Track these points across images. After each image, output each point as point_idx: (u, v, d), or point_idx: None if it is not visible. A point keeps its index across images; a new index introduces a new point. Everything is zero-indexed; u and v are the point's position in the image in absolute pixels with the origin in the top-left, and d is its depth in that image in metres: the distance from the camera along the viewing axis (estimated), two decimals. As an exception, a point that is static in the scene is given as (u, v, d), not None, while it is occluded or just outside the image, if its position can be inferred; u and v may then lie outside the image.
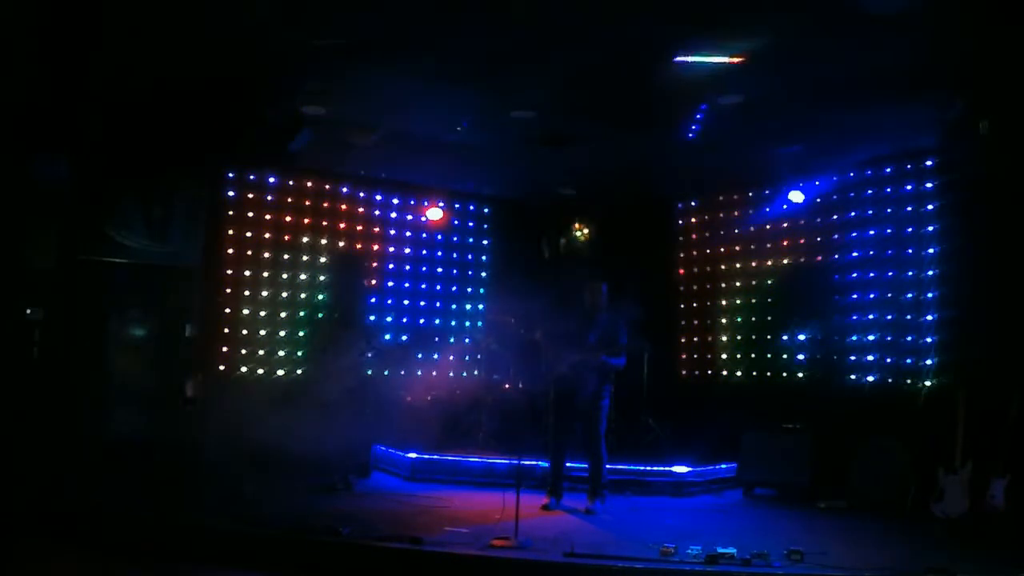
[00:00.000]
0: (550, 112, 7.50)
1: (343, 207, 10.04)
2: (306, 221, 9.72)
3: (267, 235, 9.44)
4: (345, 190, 10.07)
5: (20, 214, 7.76)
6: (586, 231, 10.12)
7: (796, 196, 8.87)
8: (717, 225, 10.33)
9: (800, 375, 9.20)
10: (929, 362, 7.89)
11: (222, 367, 8.97)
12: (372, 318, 10.13)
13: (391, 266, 10.38)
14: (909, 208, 8.29)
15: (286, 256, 9.56)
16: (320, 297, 9.73)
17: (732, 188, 10.07)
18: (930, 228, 8.08)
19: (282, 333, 9.45)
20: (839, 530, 6.58)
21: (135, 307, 8.58)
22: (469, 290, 11.01)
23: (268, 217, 9.45)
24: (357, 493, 7.80)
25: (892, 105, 6.84)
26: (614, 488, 7.40)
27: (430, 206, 10.24)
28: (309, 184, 9.77)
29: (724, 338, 10.12)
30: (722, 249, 10.19)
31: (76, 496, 6.42)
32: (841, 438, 7.98)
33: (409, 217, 10.50)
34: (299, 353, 9.44)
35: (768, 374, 9.53)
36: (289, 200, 9.62)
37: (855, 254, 8.75)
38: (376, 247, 10.28)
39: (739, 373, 9.90)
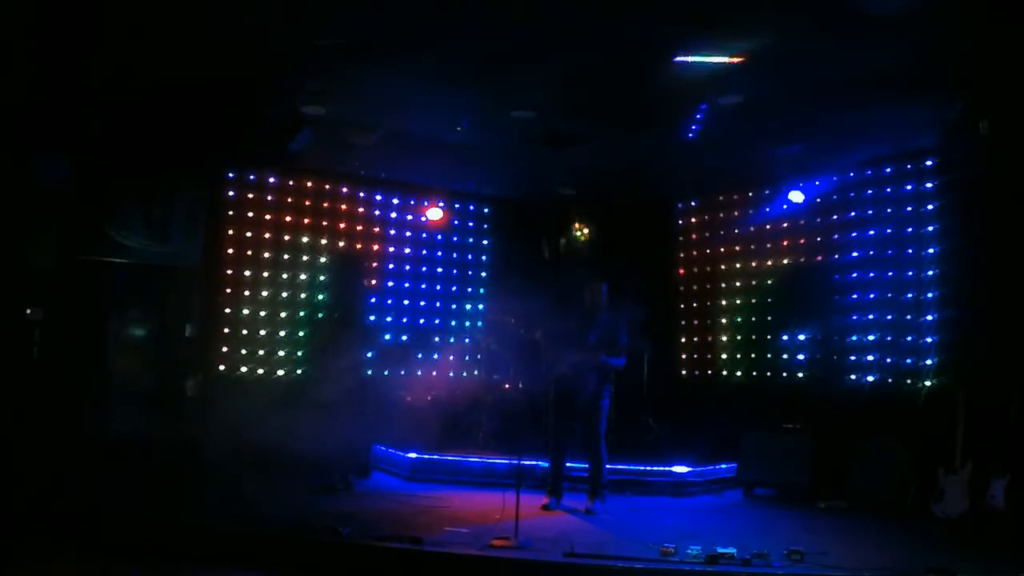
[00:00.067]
0: (550, 112, 7.50)
1: (343, 207, 10.04)
2: (306, 221, 9.72)
3: (267, 235, 9.44)
4: (345, 190, 10.07)
5: (20, 214, 7.76)
6: (586, 231, 10.12)
7: (796, 196, 8.87)
8: (717, 225, 10.33)
9: (800, 375, 9.20)
10: (929, 362, 7.89)
11: (222, 367, 8.98)
12: (372, 318, 10.13)
13: (391, 266, 10.38)
14: (909, 208, 8.29)
15: (286, 256, 9.56)
16: (320, 297, 9.73)
17: (732, 188, 10.07)
18: (930, 228, 8.08)
19: (282, 333, 9.45)
20: (839, 530, 6.58)
21: (135, 307, 8.57)
22: (469, 290, 11.01)
23: (268, 217, 9.45)
24: (357, 493, 7.80)
25: (892, 105, 6.84)
26: (614, 488, 7.40)
27: (430, 206, 10.25)
28: (309, 184, 9.78)
29: (724, 338, 10.12)
30: (722, 249, 10.19)
31: (76, 496, 6.42)
32: (841, 438, 7.98)
33: (409, 217, 10.50)
34: (299, 353, 9.44)
35: (768, 374, 9.53)
36: (289, 200, 9.63)
37: (855, 254, 8.75)
38: (376, 247, 10.28)
39: (739, 373, 9.90)
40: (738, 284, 10.05)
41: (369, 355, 9.49)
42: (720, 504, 7.84)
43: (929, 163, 8.11)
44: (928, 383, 7.81)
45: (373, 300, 10.18)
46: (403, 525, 6.08)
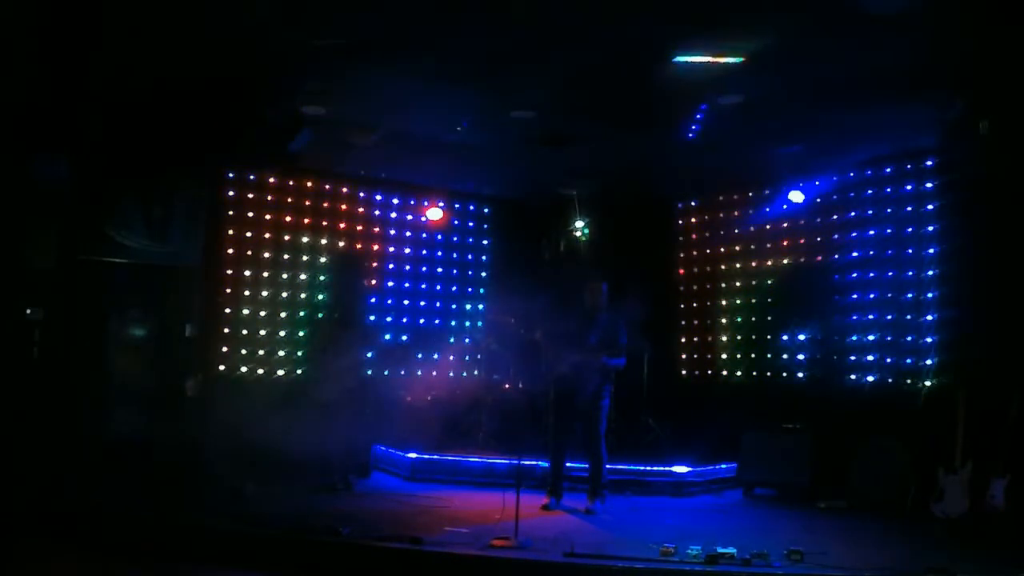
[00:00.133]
0: (550, 112, 7.50)
1: (343, 207, 10.04)
2: (306, 221, 9.71)
3: (267, 235, 9.43)
4: (345, 190, 10.07)
5: (20, 214, 7.75)
6: (586, 231, 10.12)
7: (796, 196, 8.87)
8: (717, 225, 10.33)
9: (800, 375, 9.20)
10: (929, 362, 7.89)
11: (222, 367, 8.97)
12: (372, 318, 10.13)
13: (391, 266, 10.38)
14: (909, 208, 8.28)
15: (286, 256, 9.56)
16: (320, 297, 9.73)
17: (732, 188, 10.07)
18: (930, 228, 8.08)
19: (282, 333, 9.45)
20: (839, 530, 6.58)
21: (135, 307, 8.56)
22: (469, 290, 11.01)
23: (268, 217, 9.45)
24: (357, 493, 7.81)
25: (892, 105, 6.84)
26: (614, 488, 7.41)
27: (430, 206, 10.24)
28: (309, 184, 9.77)
29: (724, 338, 10.11)
30: (722, 249, 10.19)
31: (76, 496, 6.42)
32: (841, 438, 7.98)
33: (409, 217, 10.50)
34: (299, 353, 9.44)
35: (768, 374, 9.53)
36: (289, 200, 9.62)
37: (855, 254, 8.75)
38: (376, 247, 10.28)
39: (739, 373, 9.90)
40: (738, 284, 10.05)
41: (369, 355, 9.48)
42: (720, 504, 7.84)
43: (929, 163, 8.11)
44: (928, 383, 7.81)
45: (373, 300, 10.17)
46: (403, 525, 6.08)
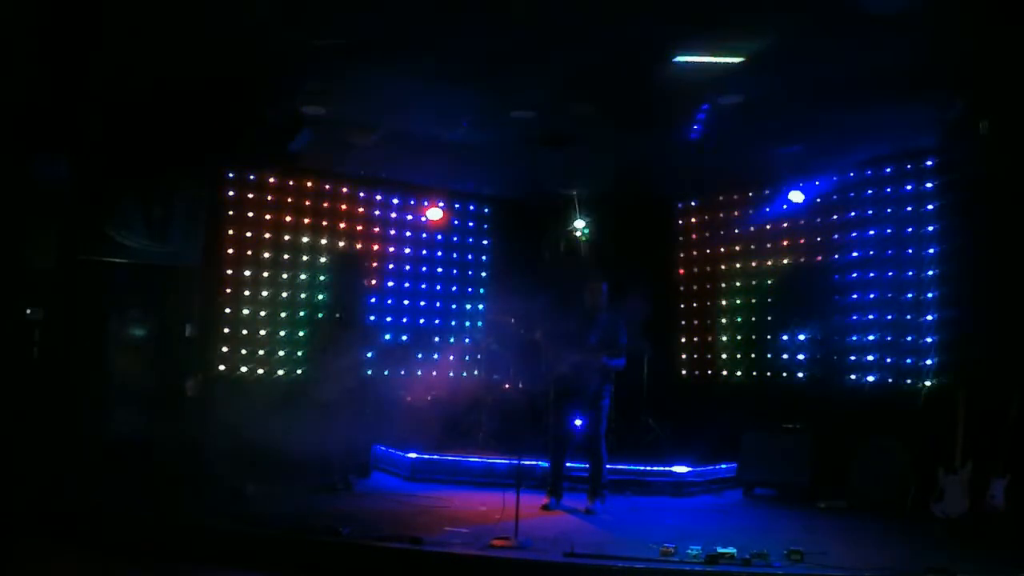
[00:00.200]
0: (550, 112, 7.50)
1: (343, 207, 10.04)
2: (306, 221, 9.71)
3: (267, 235, 9.43)
4: (345, 190, 10.07)
5: (20, 214, 7.75)
6: (586, 231, 10.12)
7: (796, 196, 8.87)
8: (717, 225, 10.33)
9: (800, 375, 9.20)
10: (929, 362, 7.89)
11: (222, 367, 8.97)
12: (372, 318, 10.13)
13: (391, 266, 10.37)
14: (909, 208, 8.28)
15: (286, 256, 9.56)
16: (320, 297, 9.73)
17: (732, 188, 10.07)
18: (930, 228, 8.08)
19: (282, 333, 9.45)
20: (839, 530, 6.58)
21: (135, 307, 8.56)
22: (469, 290, 11.01)
23: (268, 217, 9.45)
24: (357, 493, 7.81)
25: (892, 105, 6.84)
26: (614, 488, 7.41)
27: (430, 206, 10.24)
28: (309, 184, 9.77)
29: (724, 338, 10.11)
30: (722, 249, 10.19)
31: (76, 496, 6.42)
32: (841, 438, 7.98)
33: (409, 217, 10.50)
34: (299, 353, 9.44)
35: (768, 374, 9.53)
36: (289, 200, 9.62)
37: (855, 254, 8.75)
38: (376, 247, 10.28)
39: (739, 373, 9.90)
40: (738, 284, 10.05)
41: (369, 355, 9.48)
42: (720, 504, 7.84)
43: (929, 163, 8.11)
44: (928, 383, 7.81)
45: (373, 300, 10.17)
46: (403, 525, 6.08)
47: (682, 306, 10.60)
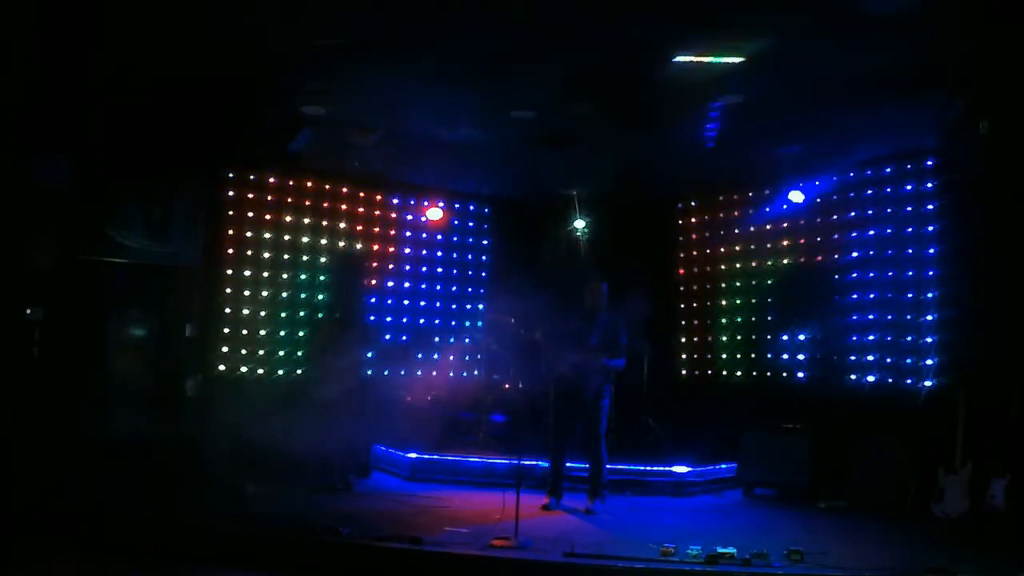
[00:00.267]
0: (550, 112, 7.50)
1: (343, 207, 10.04)
2: (306, 221, 9.71)
3: (267, 235, 9.43)
4: (345, 190, 10.07)
5: (20, 214, 7.75)
6: (586, 231, 10.12)
7: (796, 196, 8.87)
8: (717, 225, 10.32)
9: (800, 375, 9.19)
10: (929, 362, 7.89)
11: (222, 367, 8.97)
12: (372, 318, 10.13)
13: (391, 266, 10.38)
14: (909, 208, 8.28)
15: (286, 256, 9.56)
16: (320, 297, 9.73)
17: (732, 188, 10.07)
18: (930, 228, 8.07)
19: (282, 333, 9.45)
20: (839, 530, 6.59)
21: (135, 307, 8.56)
22: (469, 290, 11.01)
23: (268, 217, 9.45)
24: (357, 493, 7.81)
25: (892, 105, 6.84)
26: (614, 488, 7.41)
27: (430, 206, 10.25)
28: (309, 184, 9.77)
29: (724, 338, 10.10)
30: (722, 249, 10.18)
31: (76, 496, 6.42)
32: (841, 438, 7.98)
33: (409, 217, 10.50)
34: (299, 353, 9.44)
35: (768, 374, 9.52)
36: (289, 200, 9.62)
37: (855, 254, 8.75)
38: (376, 247, 10.28)
39: (739, 373, 9.90)
40: (738, 284, 10.04)
41: (369, 355, 9.49)
42: (720, 504, 7.84)
43: (929, 163, 8.10)
44: (928, 383, 7.81)
45: (373, 300, 10.17)
46: (403, 525, 6.09)
47: (682, 306, 10.60)
